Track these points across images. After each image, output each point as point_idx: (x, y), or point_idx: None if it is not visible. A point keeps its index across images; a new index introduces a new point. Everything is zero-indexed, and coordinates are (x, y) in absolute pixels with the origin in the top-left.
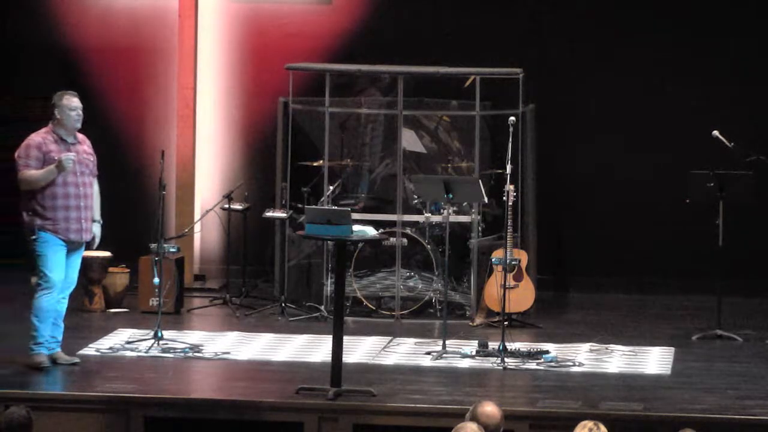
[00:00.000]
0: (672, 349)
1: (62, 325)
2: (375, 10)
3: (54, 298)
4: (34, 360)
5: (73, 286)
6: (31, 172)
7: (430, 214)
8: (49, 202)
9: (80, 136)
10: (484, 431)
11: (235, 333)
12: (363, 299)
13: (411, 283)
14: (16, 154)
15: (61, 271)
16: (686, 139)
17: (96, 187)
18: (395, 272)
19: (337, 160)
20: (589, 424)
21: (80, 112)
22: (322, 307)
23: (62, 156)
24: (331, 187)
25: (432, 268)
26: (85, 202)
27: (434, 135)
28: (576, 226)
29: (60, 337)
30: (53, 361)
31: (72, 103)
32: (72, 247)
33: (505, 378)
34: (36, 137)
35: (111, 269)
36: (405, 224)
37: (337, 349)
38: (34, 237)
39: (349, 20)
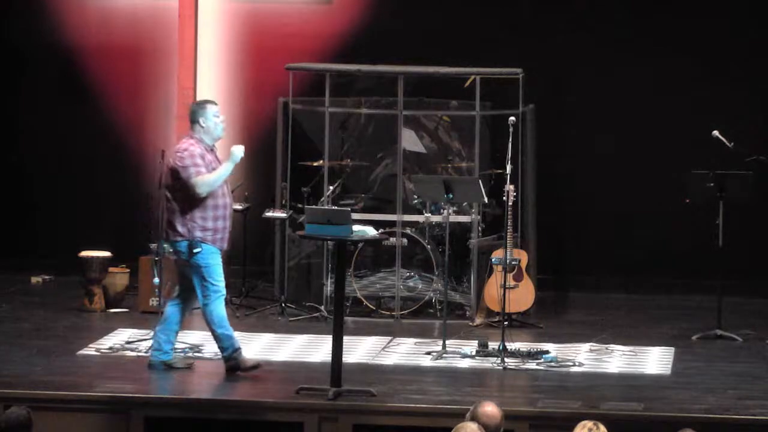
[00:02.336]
0: (672, 349)
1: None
2: (375, 10)
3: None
4: (247, 363)
5: None
6: (208, 176)
7: (430, 214)
8: (211, 213)
9: None
10: (484, 431)
11: (236, 333)
12: (363, 299)
13: (411, 283)
14: (179, 164)
15: (223, 276)
16: (686, 139)
17: None
18: (395, 272)
19: (337, 160)
20: (589, 424)
21: (223, 119)
22: (322, 307)
23: (234, 149)
24: (331, 187)
25: (432, 268)
26: (230, 210)
27: (434, 135)
28: (576, 226)
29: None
30: (169, 366)
31: (216, 110)
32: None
33: (505, 378)
34: (193, 147)
35: (111, 269)
36: (405, 224)
37: (337, 349)
38: (198, 250)
39: (349, 20)
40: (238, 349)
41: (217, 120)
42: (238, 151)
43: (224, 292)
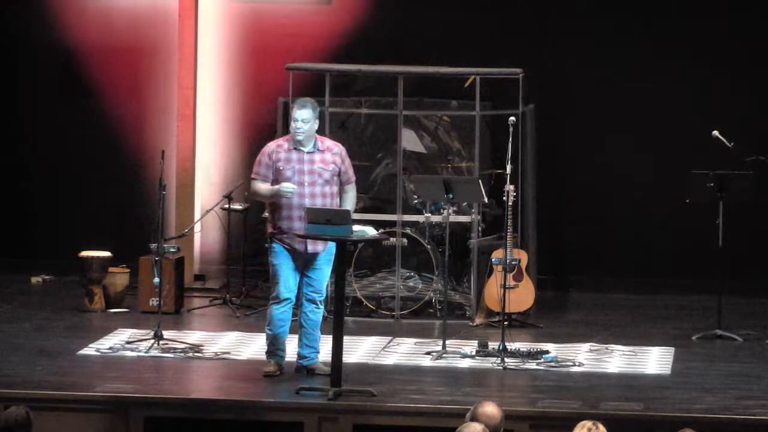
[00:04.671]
0: (672, 349)
1: (316, 333)
2: (375, 10)
3: (283, 309)
4: (263, 368)
5: (320, 296)
6: (257, 186)
7: (430, 214)
8: (277, 211)
9: (327, 144)
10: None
11: (235, 333)
12: (363, 299)
13: (411, 283)
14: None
15: (288, 283)
16: (686, 139)
17: (351, 193)
18: (395, 272)
19: None
20: (588, 424)
21: (302, 124)
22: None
23: (283, 185)
24: None
25: (432, 268)
26: (301, 213)
27: (434, 135)
28: (576, 226)
29: (317, 346)
30: (310, 371)
31: (295, 114)
32: (306, 257)
33: (505, 378)
34: (272, 143)
35: (111, 269)
36: (405, 224)
37: (337, 349)
38: (267, 245)
39: (349, 20)
40: (279, 357)
41: (293, 124)
42: (285, 188)
43: (281, 298)
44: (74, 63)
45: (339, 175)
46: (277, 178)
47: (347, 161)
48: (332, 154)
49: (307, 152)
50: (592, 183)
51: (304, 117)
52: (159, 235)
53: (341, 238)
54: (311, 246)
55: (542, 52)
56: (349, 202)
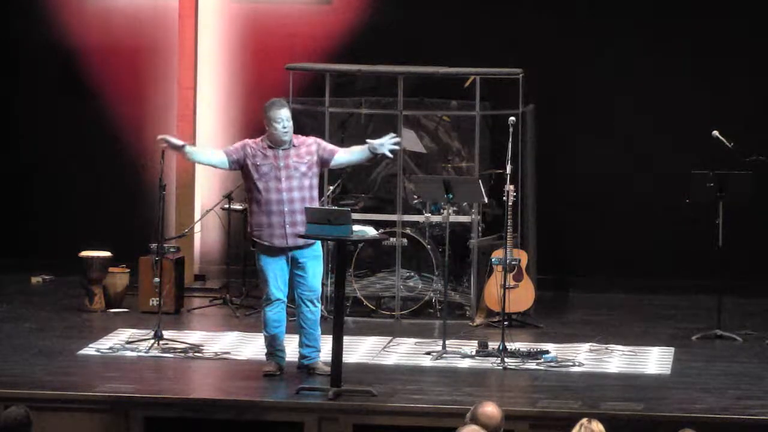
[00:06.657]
0: (672, 349)
1: (316, 332)
2: (375, 10)
3: (275, 310)
4: (263, 368)
5: (314, 294)
6: None
7: (430, 214)
8: (255, 208)
9: (301, 139)
10: None
11: (235, 333)
12: (363, 299)
13: (411, 283)
14: None
15: (277, 282)
16: (686, 139)
17: (353, 151)
18: (395, 272)
19: None
20: (584, 422)
21: (286, 124)
22: (322, 307)
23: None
24: (331, 187)
25: (432, 268)
26: (290, 207)
27: (434, 135)
28: (576, 226)
29: (318, 346)
30: (311, 371)
31: (278, 115)
32: (287, 251)
33: (505, 378)
34: (250, 139)
35: (111, 269)
36: (405, 224)
37: (337, 349)
38: (253, 249)
39: (349, 20)
40: (279, 357)
41: (278, 126)
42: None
43: (272, 299)
44: (74, 63)
45: (320, 159)
46: (253, 174)
47: (323, 143)
48: (307, 146)
49: (283, 149)
50: (592, 183)
51: (287, 116)
52: (159, 235)
53: (341, 238)
54: (291, 240)
55: (542, 52)
56: (350, 148)
